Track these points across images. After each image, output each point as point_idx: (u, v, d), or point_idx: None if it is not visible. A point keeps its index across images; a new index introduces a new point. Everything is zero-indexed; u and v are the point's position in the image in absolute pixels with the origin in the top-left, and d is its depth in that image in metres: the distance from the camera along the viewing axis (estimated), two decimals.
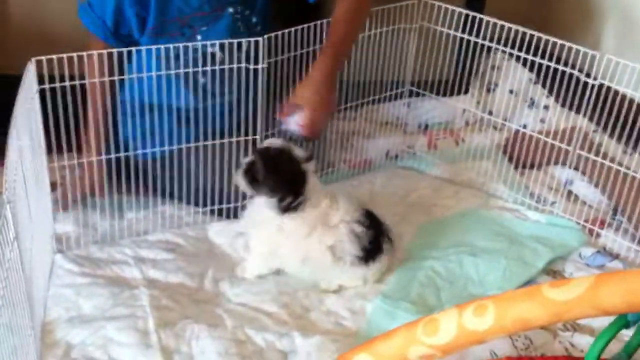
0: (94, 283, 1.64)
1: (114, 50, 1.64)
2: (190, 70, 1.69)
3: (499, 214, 2.02)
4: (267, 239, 1.68)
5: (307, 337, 1.54)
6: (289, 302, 1.65)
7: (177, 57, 1.69)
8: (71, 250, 1.74)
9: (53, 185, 1.77)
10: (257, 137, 1.81)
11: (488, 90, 2.46)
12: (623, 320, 0.82)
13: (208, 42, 1.69)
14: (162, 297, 1.62)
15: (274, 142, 1.64)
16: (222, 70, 1.73)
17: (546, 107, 2.36)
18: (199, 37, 1.82)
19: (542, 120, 2.32)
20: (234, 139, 1.80)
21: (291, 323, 1.59)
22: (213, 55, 1.72)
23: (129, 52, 1.66)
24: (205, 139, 1.80)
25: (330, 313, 1.64)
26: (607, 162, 1.89)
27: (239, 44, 1.69)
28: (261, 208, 1.64)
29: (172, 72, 1.68)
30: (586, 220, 1.96)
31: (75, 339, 1.50)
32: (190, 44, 1.66)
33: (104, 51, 1.61)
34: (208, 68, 1.70)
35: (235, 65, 1.72)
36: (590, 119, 1.95)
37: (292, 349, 1.53)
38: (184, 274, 1.70)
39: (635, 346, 0.96)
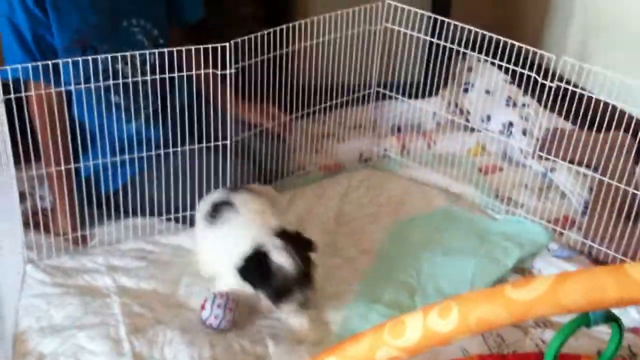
0: (65, 293, 1.63)
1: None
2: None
3: (469, 212, 2.04)
4: None
5: (279, 342, 1.55)
6: None
7: (87, 79, 1.66)
8: (42, 261, 1.73)
9: (22, 195, 1.76)
10: (227, 142, 1.81)
11: (465, 91, 2.50)
12: (584, 319, 0.84)
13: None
14: (134, 304, 1.62)
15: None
16: (133, 87, 1.72)
17: (524, 105, 2.40)
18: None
19: (523, 118, 2.35)
20: (191, 146, 1.81)
21: (264, 327, 1.60)
22: (116, 72, 1.68)
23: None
24: (166, 153, 1.80)
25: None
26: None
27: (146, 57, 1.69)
28: None
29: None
30: (550, 220, 1.99)
31: (47, 348, 1.49)
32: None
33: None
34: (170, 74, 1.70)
35: (204, 72, 1.73)
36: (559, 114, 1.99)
37: (265, 353, 1.53)
38: (156, 280, 1.70)
39: (609, 356, 0.97)
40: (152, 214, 1.87)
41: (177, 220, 1.88)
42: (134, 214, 1.87)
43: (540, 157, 2.15)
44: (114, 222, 1.86)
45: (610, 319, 0.86)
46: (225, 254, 1.59)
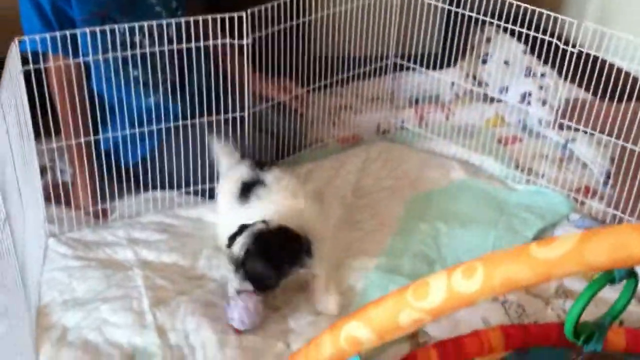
0: (87, 266, 1.64)
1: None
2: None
3: (488, 184, 2.03)
4: None
5: (300, 316, 1.56)
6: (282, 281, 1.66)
7: (106, 51, 1.66)
8: (64, 234, 1.74)
9: (43, 169, 1.77)
10: (245, 113, 1.81)
11: (483, 62, 2.48)
12: (609, 276, 0.83)
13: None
14: (156, 277, 1.63)
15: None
16: (151, 60, 1.71)
17: (543, 75, 2.37)
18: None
19: (543, 89, 2.33)
20: (209, 118, 1.80)
21: (284, 302, 1.60)
22: (135, 44, 1.69)
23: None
24: (185, 125, 1.80)
25: None
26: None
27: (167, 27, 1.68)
28: None
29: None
30: (571, 190, 1.98)
31: (71, 321, 1.50)
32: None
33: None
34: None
35: (221, 42, 1.72)
36: (579, 86, 1.97)
37: (286, 327, 1.54)
38: (177, 253, 1.71)
39: (619, 310, 0.96)
40: (171, 187, 1.87)
41: (196, 193, 1.88)
42: (154, 187, 1.87)
43: (560, 126, 2.13)
44: (134, 195, 1.87)
45: (633, 274, 0.85)
46: None
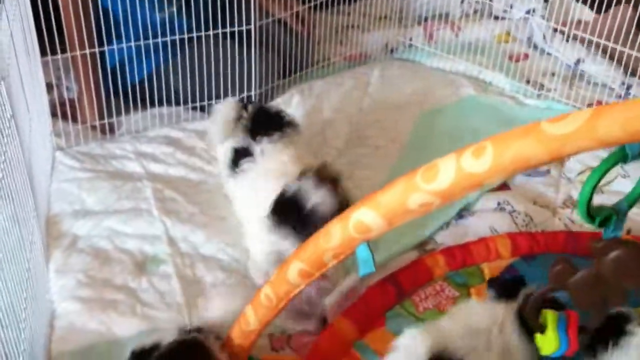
0: (96, 177, 1.65)
1: None
2: None
3: (498, 100, 2.01)
4: None
5: None
6: None
7: None
8: (71, 148, 1.74)
9: (49, 87, 1.76)
10: (251, 26, 1.78)
11: None
12: (621, 153, 0.82)
13: None
14: (166, 189, 1.63)
15: None
16: None
17: None
18: None
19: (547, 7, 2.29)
20: (215, 31, 1.77)
21: None
22: None
23: None
24: (190, 39, 1.77)
25: None
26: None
27: None
28: None
29: None
30: (584, 104, 1.95)
31: (81, 230, 1.52)
32: None
33: None
34: None
35: None
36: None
37: None
38: (185, 167, 1.71)
39: (637, 195, 0.95)
40: (177, 103, 1.86)
41: (202, 109, 1.86)
42: (160, 103, 1.86)
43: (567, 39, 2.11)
44: (140, 111, 1.86)
45: None
46: (251, 206, 1.43)
